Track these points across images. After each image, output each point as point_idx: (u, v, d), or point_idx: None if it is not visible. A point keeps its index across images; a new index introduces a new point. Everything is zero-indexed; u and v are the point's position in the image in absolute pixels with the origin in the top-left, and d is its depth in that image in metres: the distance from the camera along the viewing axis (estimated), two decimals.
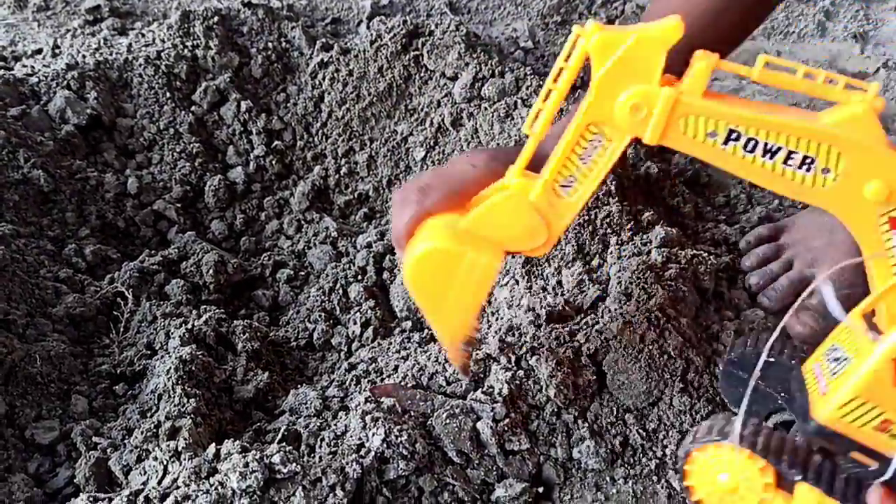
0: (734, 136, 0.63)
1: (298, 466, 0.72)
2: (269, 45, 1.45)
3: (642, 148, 1.23)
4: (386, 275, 1.16)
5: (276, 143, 1.39)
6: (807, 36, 1.66)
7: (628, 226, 1.02)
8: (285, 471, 0.71)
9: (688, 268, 0.97)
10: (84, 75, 1.32)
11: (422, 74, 1.39)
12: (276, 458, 0.72)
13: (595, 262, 1.01)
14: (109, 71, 1.36)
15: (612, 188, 1.06)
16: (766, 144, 0.63)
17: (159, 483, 0.75)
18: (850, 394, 0.62)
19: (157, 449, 0.79)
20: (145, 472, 0.78)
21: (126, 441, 0.84)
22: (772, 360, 0.72)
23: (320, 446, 0.79)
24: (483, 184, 0.74)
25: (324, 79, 1.42)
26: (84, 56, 1.38)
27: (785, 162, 0.63)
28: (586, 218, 1.03)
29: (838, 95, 0.61)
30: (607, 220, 1.03)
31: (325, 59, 1.42)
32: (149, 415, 0.88)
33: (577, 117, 0.66)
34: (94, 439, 0.85)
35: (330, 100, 1.41)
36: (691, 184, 1.27)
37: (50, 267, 1.07)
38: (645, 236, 1.02)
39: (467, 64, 1.35)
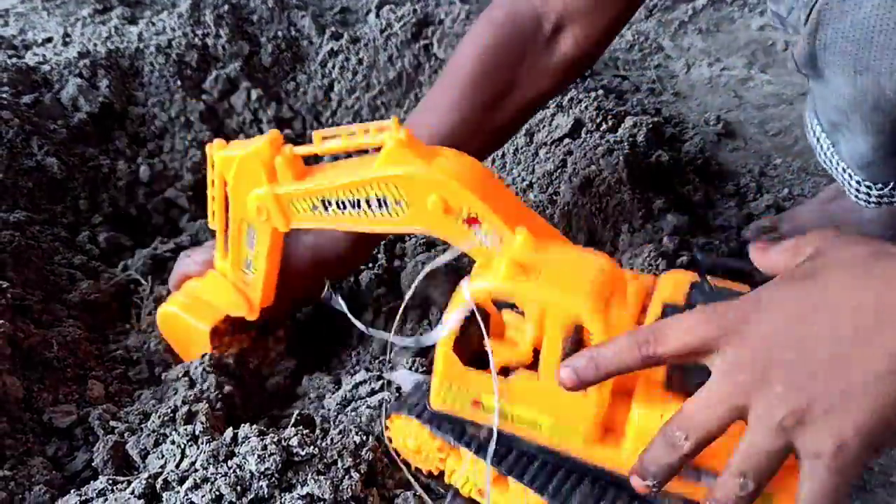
0: (327, 203, 0.76)
1: (316, 449, 0.73)
2: (279, 33, 1.45)
3: (653, 136, 1.23)
4: (397, 262, 1.16)
5: (286, 131, 1.39)
6: None
7: (640, 213, 1.03)
8: (303, 453, 0.72)
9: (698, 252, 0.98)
10: (95, 64, 1.32)
11: (431, 63, 1.39)
12: (294, 441, 0.72)
13: (607, 249, 1.02)
14: (121, 59, 1.36)
15: (624, 176, 1.06)
16: (349, 201, 0.74)
17: (177, 466, 0.75)
18: (437, 379, 0.68)
19: (174, 433, 0.79)
20: (163, 456, 0.78)
21: (143, 425, 0.84)
22: None
23: (334, 428, 0.80)
24: None
25: (333, 67, 1.42)
26: (95, 44, 1.39)
27: (369, 207, 0.74)
28: (598, 206, 1.04)
29: (377, 140, 0.71)
30: (619, 207, 1.03)
31: (335, 48, 1.43)
32: (165, 400, 0.89)
33: (230, 217, 0.82)
34: (112, 423, 0.85)
35: (340, 88, 1.41)
36: (701, 172, 1.27)
37: (64, 254, 1.08)
38: (656, 224, 1.02)
39: None
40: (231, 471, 0.71)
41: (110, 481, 0.76)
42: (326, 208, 0.76)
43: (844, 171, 0.84)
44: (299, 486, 0.71)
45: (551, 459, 0.67)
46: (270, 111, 1.38)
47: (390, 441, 0.78)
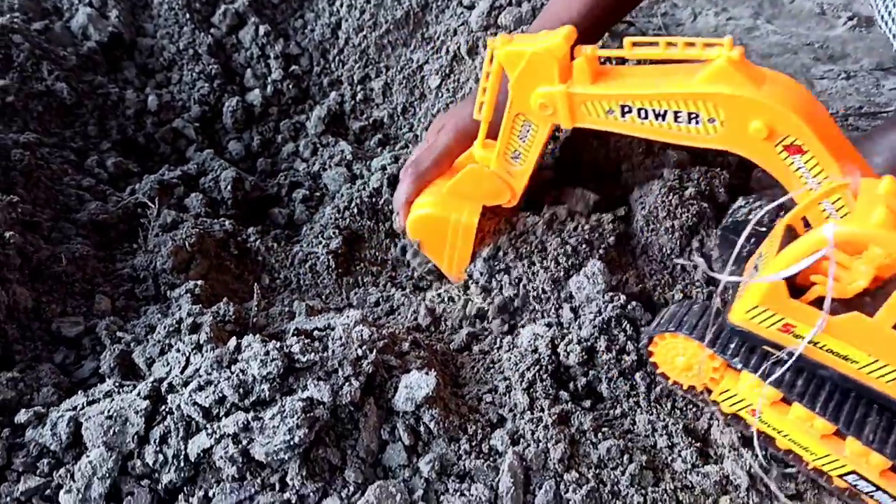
0: (627, 109, 0.75)
1: (317, 357, 0.75)
2: None
3: None
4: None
5: (293, 67, 1.40)
6: None
7: (640, 149, 1.04)
8: (304, 360, 0.74)
9: (702, 182, 0.97)
10: None
11: (439, 3, 1.39)
12: (296, 349, 0.75)
13: (611, 184, 1.03)
14: None
15: None
16: (654, 111, 0.74)
17: (182, 372, 0.78)
18: (750, 301, 0.69)
19: (179, 342, 0.81)
20: (168, 364, 0.81)
21: (149, 336, 0.87)
22: (763, 228, 0.78)
23: (333, 342, 0.82)
24: (459, 152, 0.95)
25: (341, 6, 1.42)
26: None
27: (675, 120, 0.73)
28: (600, 141, 1.05)
29: (700, 55, 0.70)
30: (618, 143, 1.05)
31: None
32: (170, 314, 0.91)
33: (507, 110, 0.83)
34: (119, 334, 0.88)
35: (347, 27, 1.42)
36: None
37: (73, 176, 1.10)
38: (657, 160, 1.03)
39: None
40: (234, 375, 0.73)
41: (117, 384, 0.78)
42: (624, 114, 0.76)
43: None
44: (300, 391, 0.73)
45: (854, 390, 0.69)
46: (278, 47, 1.38)
47: (651, 355, 0.82)
